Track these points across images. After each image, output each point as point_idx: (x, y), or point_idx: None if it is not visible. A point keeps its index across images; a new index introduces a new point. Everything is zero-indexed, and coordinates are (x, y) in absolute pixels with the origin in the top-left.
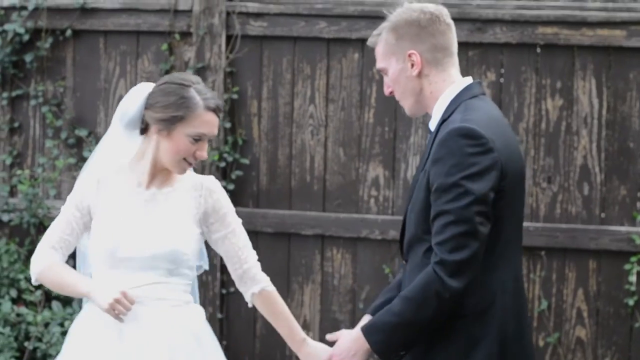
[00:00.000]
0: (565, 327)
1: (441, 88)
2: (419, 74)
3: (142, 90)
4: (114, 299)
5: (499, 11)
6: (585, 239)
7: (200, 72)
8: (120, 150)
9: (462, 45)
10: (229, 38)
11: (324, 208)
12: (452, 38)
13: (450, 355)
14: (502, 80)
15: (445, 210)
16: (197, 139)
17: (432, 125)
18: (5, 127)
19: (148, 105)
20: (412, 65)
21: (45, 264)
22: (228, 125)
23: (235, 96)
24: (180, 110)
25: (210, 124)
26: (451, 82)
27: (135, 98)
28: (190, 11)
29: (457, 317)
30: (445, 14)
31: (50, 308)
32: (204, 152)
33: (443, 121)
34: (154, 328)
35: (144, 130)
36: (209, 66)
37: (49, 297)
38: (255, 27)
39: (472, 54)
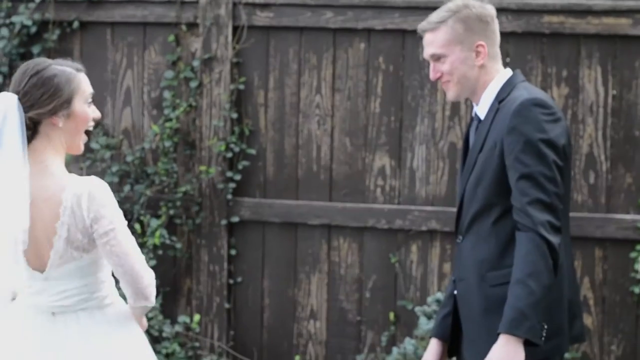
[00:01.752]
0: None
1: (492, 78)
2: (481, 65)
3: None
4: None
5: (504, 0)
6: (591, 227)
7: (207, 62)
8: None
9: None
10: (235, 29)
11: (331, 198)
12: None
13: None
14: (508, 68)
15: (530, 172)
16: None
17: (483, 110)
18: None
19: (27, 108)
20: (477, 56)
21: None
22: (235, 115)
23: (241, 87)
24: (70, 87)
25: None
26: (498, 72)
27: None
28: (196, 2)
29: None
30: (494, 14)
31: None
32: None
33: (500, 100)
34: None
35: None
36: (216, 57)
37: None
38: (262, 18)
39: None
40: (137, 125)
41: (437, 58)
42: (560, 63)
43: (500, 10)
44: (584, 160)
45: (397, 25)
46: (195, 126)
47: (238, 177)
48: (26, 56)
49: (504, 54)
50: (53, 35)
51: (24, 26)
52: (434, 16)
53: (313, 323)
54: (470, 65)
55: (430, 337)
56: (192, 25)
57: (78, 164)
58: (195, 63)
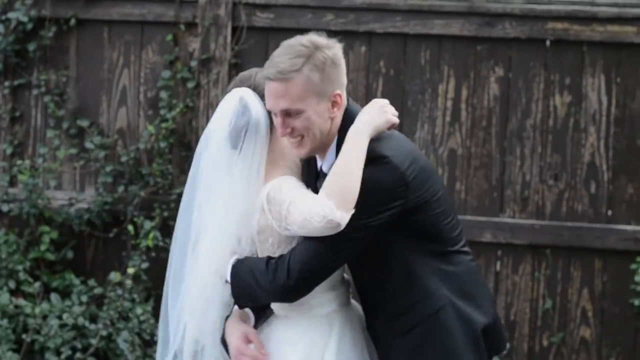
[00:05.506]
0: (570, 327)
1: (338, 124)
2: (335, 116)
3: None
4: None
5: (509, 5)
6: (591, 238)
7: (205, 63)
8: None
9: (470, 39)
10: (234, 29)
11: None
12: None
13: None
14: (510, 75)
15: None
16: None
17: (328, 163)
18: (6, 117)
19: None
20: (333, 107)
21: None
22: None
23: None
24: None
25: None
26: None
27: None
28: (196, 1)
29: None
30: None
31: (48, 300)
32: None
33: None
34: None
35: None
36: (214, 57)
37: (47, 289)
38: (262, 19)
39: (480, 49)
40: (132, 125)
41: (297, 113)
42: (563, 70)
43: (504, 16)
44: (585, 169)
45: (398, 29)
46: (191, 127)
47: None
48: (22, 53)
49: (507, 59)
50: (49, 32)
51: (19, 22)
52: (285, 63)
53: None
54: (326, 119)
55: None
56: (191, 25)
57: (72, 163)
58: (193, 63)
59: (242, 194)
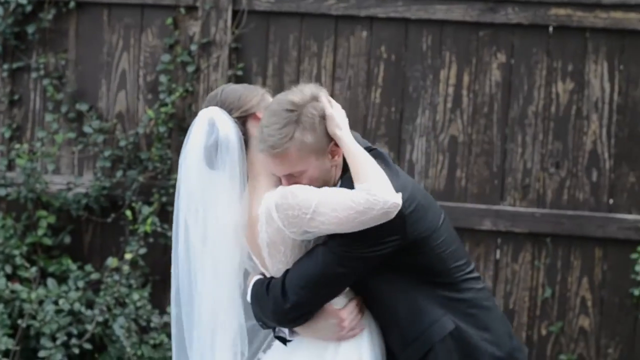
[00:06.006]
0: (569, 316)
1: (341, 164)
2: (337, 164)
3: None
4: None
5: None
6: (592, 227)
7: (205, 47)
8: None
9: (473, 25)
10: (235, 13)
11: None
12: None
13: None
14: (512, 61)
15: None
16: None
17: None
18: (5, 100)
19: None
20: (333, 156)
21: None
22: None
23: (240, 72)
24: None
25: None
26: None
27: None
28: None
29: None
30: (325, 93)
31: (45, 285)
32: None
33: None
34: None
35: None
36: (214, 41)
37: (44, 274)
38: (263, 3)
39: (482, 35)
40: (131, 109)
41: (293, 175)
42: (566, 57)
43: (507, 2)
44: (587, 157)
45: (400, 14)
46: (191, 112)
47: None
48: (21, 35)
49: (509, 45)
50: (48, 14)
51: (19, 5)
52: (275, 136)
53: None
54: (328, 169)
55: None
56: (191, 9)
57: (70, 147)
58: (193, 47)
59: (229, 209)
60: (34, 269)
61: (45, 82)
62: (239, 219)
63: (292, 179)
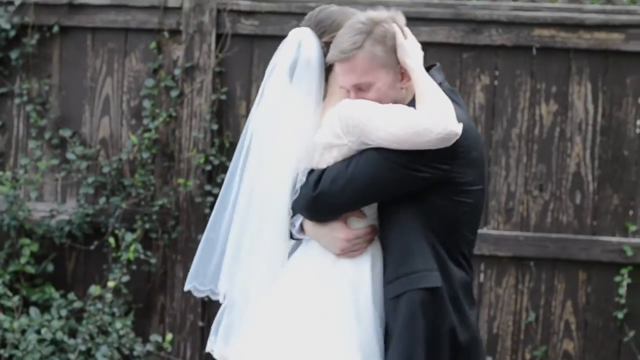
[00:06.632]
0: (553, 340)
1: (413, 92)
2: (407, 87)
3: None
4: None
5: (495, 12)
6: (575, 250)
7: (189, 71)
8: None
9: (456, 47)
10: (218, 37)
11: None
12: None
13: None
14: (496, 83)
15: None
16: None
17: None
18: None
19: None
20: (403, 78)
21: None
22: (215, 127)
23: (223, 97)
24: None
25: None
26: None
27: None
28: (180, 8)
29: None
30: (403, 20)
31: (27, 314)
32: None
33: None
34: None
35: None
36: (198, 65)
37: (26, 302)
38: (247, 26)
39: (466, 56)
40: (115, 135)
41: (367, 87)
42: (549, 78)
43: (490, 23)
44: (571, 179)
45: None
46: (174, 137)
47: (217, 190)
48: (4, 61)
49: (493, 67)
50: (32, 40)
51: (2, 30)
52: (345, 42)
53: None
54: (398, 90)
55: None
56: (175, 33)
57: (53, 174)
58: (177, 71)
59: (301, 122)
60: (16, 298)
61: (29, 107)
62: (309, 134)
63: (361, 93)
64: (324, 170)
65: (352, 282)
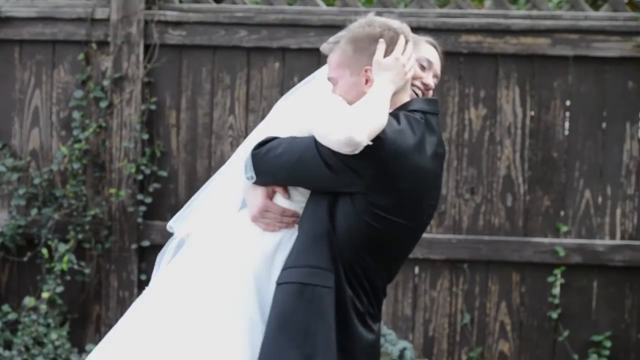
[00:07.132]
0: (489, 341)
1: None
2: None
3: None
4: None
5: (422, 19)
6: (508, 251)
7: (118, 82)
8: None
9: None
10: (147, 47)
11: None
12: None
13: None
14: None
15: None
16: None
17: None
18: None
19: None
20: (367, 82)
21: None
22: (146, 136)
23: (153, 107)
24: None
25: None
26: None
27: None
28: (107, 20)
29: None
30: (407, 31)
31: None
32: None
33: None
34: None
35: None
36: (127, 76)
37: None
38: (174, 36)
39: None
40: (45, 146)
41: (335, 82)
42: (478, 83)
43: (418, 29)
44: (502, 182)
45: (312, 44)
46: (105, 147)
47: (149, 200)
48: None
49: None
50: None
51: None
52: (334, 36)
53: None
54: (359, 92)
55: None
56: (103, 44)
57: None
58: (106, 82)
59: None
60: None
61: None
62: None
63: (334, 87)
64: (275, 138)
65: (242, 263)
